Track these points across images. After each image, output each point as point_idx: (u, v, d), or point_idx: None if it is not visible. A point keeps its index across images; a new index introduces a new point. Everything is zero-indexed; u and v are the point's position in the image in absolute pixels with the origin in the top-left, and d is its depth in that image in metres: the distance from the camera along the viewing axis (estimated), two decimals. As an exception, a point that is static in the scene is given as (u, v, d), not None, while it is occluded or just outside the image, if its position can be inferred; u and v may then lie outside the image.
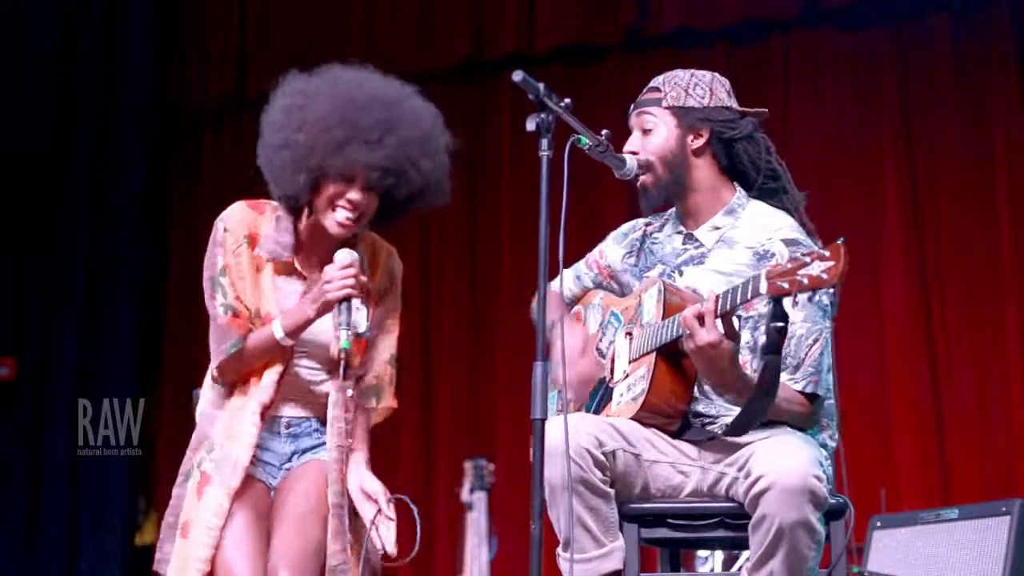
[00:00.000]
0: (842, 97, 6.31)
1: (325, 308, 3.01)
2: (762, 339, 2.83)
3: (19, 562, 6.71)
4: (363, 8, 6.98)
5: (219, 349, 3.06)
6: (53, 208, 7.00)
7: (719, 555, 4.52)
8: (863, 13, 6.29)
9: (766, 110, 3.21)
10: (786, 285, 2.63)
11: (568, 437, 2.77)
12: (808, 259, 2.62)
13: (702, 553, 4.54)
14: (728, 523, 2.93)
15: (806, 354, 2.96)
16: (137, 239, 7.09)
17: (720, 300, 2.78)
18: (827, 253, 2.61)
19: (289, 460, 3.16)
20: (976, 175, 6.08)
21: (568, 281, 3.35)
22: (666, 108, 3.13)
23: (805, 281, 2.61)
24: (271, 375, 3.07)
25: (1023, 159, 6.02)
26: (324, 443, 3.12)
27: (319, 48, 6.94)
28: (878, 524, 4.46)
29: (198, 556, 2.95)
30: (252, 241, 3.10)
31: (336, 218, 3.04)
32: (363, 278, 3.02)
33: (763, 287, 2.67)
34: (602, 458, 2.88)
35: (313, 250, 3.14)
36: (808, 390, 2.96)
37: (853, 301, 5.41)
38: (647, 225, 3.28)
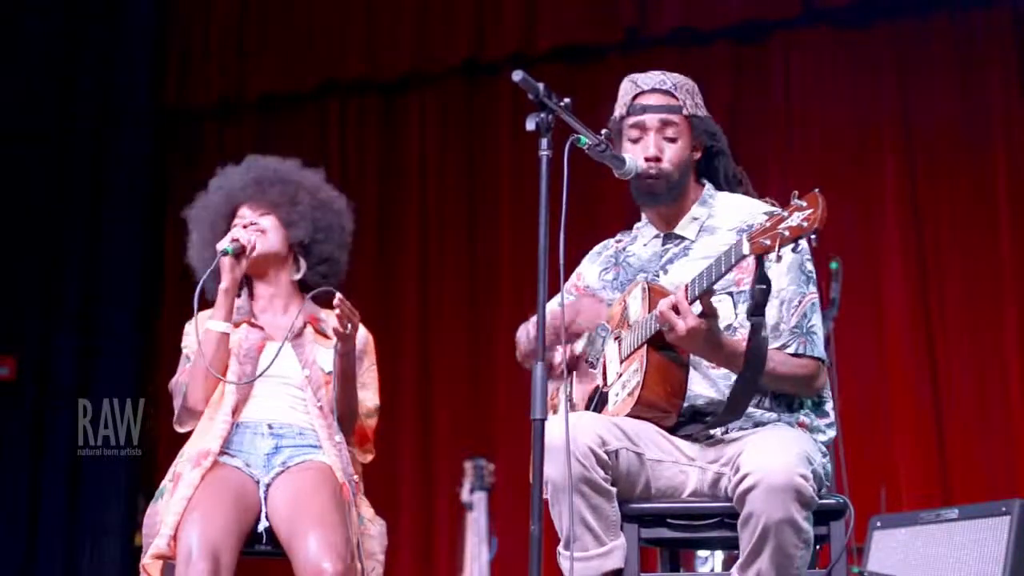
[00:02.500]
0: (842, 97, 6.31)
1: (224, 266, 3.36)
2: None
3: (19, 562, 6.71)
4: (363, 8, 6.97)
5: (179, 394, 3.40)
6: (53, 208, 7.00)
7: (719, 555, 4.52)
8: (863, 12, 6.28)
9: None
10: (768, 241, 2.66)
11: (569, 436, 2.77)
12: (786, 212, 2.64)
13: (702, 553, 4.54)
14: (728, 523, 2.93)
15: (790, 315, 2.99)
16: (136, 239, 7.08)
17: (690, 287, 2.83)
18: (804, 203, 2.63)
19: (276, 453, 3.29)
20: (976, 174, 6.08)
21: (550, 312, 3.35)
22: (685, 117, 3.17)
23: (787, 233, 2.64)
24: (229, 398, 3.33)
25: (1023, 158, 6.02)
26: (307, 444, 3.33)
27: (319, 49, 6.96)
28: (878, 524, 4.46)
29: (167, 523, 3.11)
30: None
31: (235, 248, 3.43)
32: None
33: (746, 248, 2.71)
34: (605, 457, 2.88)
35: (267, 307, 3.51)
36: (800, 351, 2.98)
37: (853, 301, 5.41)
38: (617, 242, 3.33)
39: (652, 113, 3.16)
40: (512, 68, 2.80)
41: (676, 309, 2.81)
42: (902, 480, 5.85)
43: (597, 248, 3.38)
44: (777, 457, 2.78)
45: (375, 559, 3.26)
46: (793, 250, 2.67)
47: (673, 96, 3.17)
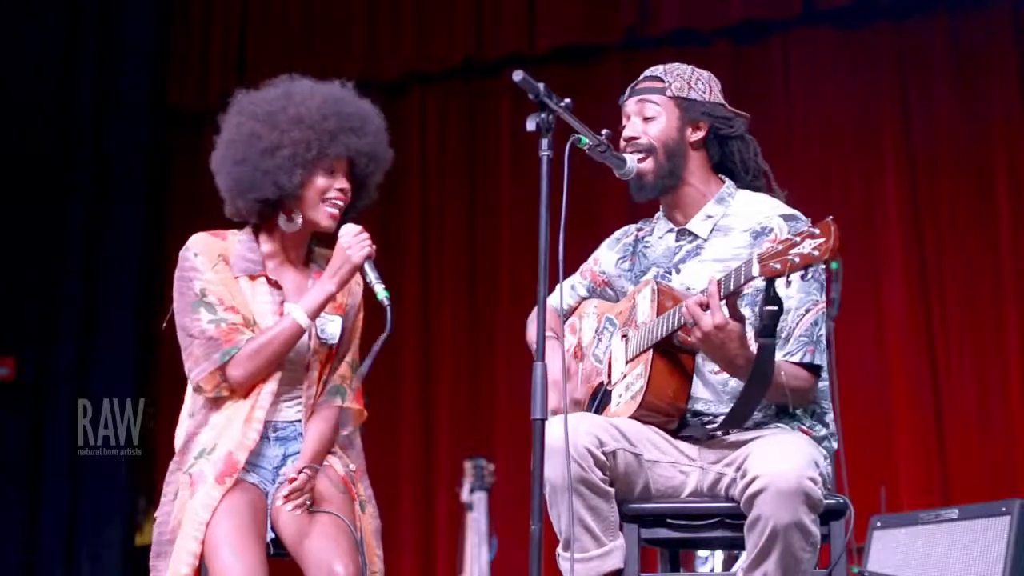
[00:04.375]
0: (842, 97, 6.31)
1: (349, 275, 3.16)
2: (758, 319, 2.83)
3: (19, 562, 6.71)
4: (363, 8, 6.97)
5: (210, 360, 3.12)
6: (53, 208, 7.00)
7: (719, 555, 4.52)
8: (863, 13, 6.29)
9: (748, 115, 3.22)
10: (778, 266, 2.65)
11: (568, 437, 2.77)
12: (798, 238, 2.64)
13: (702, 553, 4.54)
14: (728, 523, 2.94)
15: (797, 324, 2.96)
16: (136, 239, 7.09)
17: (722, 283, 2.79)
18: (817, 231, 2.63)
19: (282, 464, 3.20)
20: (976, 175, 6.08)
21: (564, 293, 3.35)
22: (670, 98, 3.13)
23: (796, 260, 2.63)
24: (271, 385, 3.15)
25: (1023, 159, 6.02)
26: None
27: (319, 48, 6.96)
28: (878, 524, 4.46)
29: (187, 550, 2.99)
30: (225, 261, 3.21)
31: (328, 211, 3.20)
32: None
33: (755, 270, 2.69)
34: (603, 458, 2.88)
35: (284, 260, 3.27)
36: (805, 360, 2.96)
37: (853, 301, 5.42)
38: (638, 230, 3.30)
39: (631, 97, 3.18)
40: (512, 68, 2.80)
41: (704, 305, 2.79)
42: (902, 480, 5.85)
43: (617, 234, 3.35)
44: (786, 461, 2.78)
45: (376, 555, 3.24)
46: (802, 277, 2.66)
47: (658, 80, 3.16)
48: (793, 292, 2.94)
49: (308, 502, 3.09)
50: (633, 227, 3.32)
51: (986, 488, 5.59)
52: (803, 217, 3.04)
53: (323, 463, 3.18)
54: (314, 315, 3.14)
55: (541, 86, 2.79)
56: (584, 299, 3.36)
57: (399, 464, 6.55)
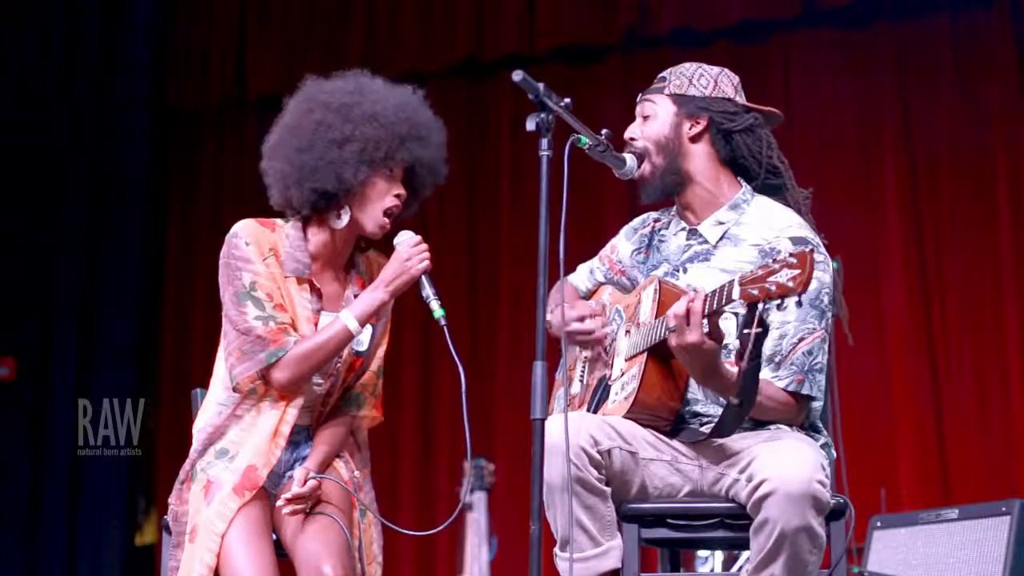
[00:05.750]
0: (842, 97, 6.31)
1: (404, 286, 3.09)
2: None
3: (20, 562, 6.71)
4: (363, 8, 6.98)
5: (255, 359, 3.02)
6: (53, 207, 7.01)
7: (719, 555, 4.52)
8: (863, 13, 6.29)
9: (779, 112, 3.21)
10: (756, 292, 2.64)
11: (568, 435, 2.77)
12: (776, 266, 2.62)
13: (702, 553, 4.54)
14: (728, 523, 2.93)
15: (790, 351, 2.95)
16: (136, 239, 7.10)
17: (708, 300, 2.78)
18: (794, 260, 2.61)
19: (290, 468, 3.17)
20: (976, 175, 6.08)
21: (582, 276, 3.37)
22: (667, 96, 3.14)
23: (773, 288, 2.61)
24: (300, 400, 3.10)
25: (1023, 159, 6.02)
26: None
27: (319, 48, 6.96)
28: (878, 524, 4.46)
29: (202, 561, 2.96)
30: (276, 255, 3.10)
31: (381, 220, 3.12)
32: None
33: (736, 293, 2.68)
34: (598, 457, 2.87)
35: (326, 264, 3.17)
36: (791, 388, 2.95)
37: (853, 301, 5.41)
38: (656, 221, 3.28)
39: (637, 102, 3.19)
40: (512, 68, 2.79)
41: (688, 317, 2.78)
42: (902, 480, 5.86)
43: (635, 223, 3.33)
44: (794, 464, 2.78)
45: (376, 562, 3.23)
46: (778, 307, 2.65)
47: (662, 79, 3.17)
48: (790, 318, 2.94)
49: (307, 509, 3.07)
50: (652, 216, 3.30)
51: (986, 488, 5.59)
52: (813, 239, 3.02)
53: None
54: (364, 323, 3.06)
55: (541, 86, 2.78)
56: (601, 284, 3.35)
57: (399, 464, 6.56)
